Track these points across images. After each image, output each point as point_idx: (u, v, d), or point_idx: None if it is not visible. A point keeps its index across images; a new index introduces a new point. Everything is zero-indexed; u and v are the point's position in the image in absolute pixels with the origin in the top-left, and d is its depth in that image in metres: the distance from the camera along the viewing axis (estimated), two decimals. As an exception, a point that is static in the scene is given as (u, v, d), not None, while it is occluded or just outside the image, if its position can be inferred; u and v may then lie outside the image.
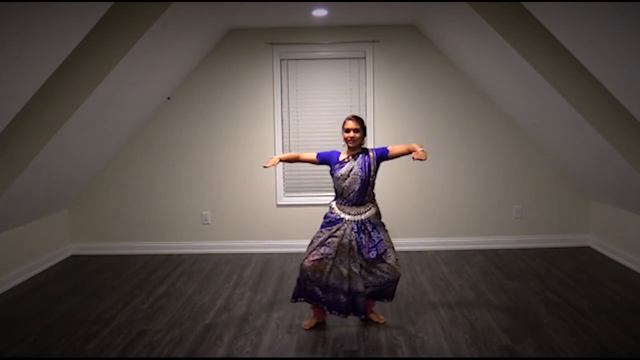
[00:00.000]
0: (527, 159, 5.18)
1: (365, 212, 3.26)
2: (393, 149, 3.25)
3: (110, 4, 3.06)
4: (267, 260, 4.99)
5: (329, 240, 3.22)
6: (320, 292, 3.28)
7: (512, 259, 4.82)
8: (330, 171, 3.31)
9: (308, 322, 3.41)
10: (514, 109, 4.88)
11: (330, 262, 3.22)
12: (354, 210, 3.25)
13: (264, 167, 3.34)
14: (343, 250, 3.22)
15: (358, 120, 3.24)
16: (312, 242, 3.30)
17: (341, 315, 3.29)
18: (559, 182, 5.19)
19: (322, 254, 3.22)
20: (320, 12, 4.49)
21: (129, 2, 3.45)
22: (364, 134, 3.28)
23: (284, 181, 5.26)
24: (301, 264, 3.28)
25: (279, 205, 5.27)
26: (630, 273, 4.34)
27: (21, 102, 3.21)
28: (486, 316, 3.49)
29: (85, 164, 4.73)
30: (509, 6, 3.54)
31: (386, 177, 5.21)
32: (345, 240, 3.21)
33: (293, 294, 3.37)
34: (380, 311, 3.60)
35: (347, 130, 3.22)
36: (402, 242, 5.24)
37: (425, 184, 5.23)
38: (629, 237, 4.52)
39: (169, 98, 5.13)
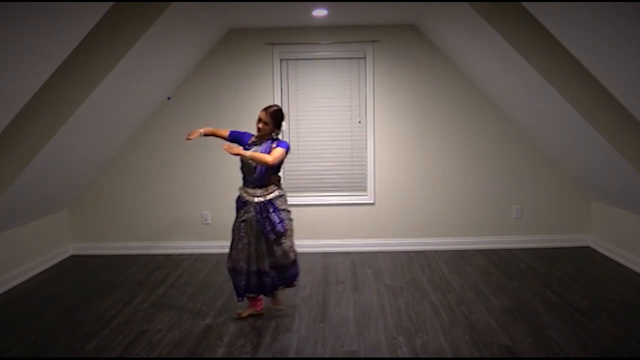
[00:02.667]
0: (527, 159, 5.18)
1: (268, 194, 3.40)
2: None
3: (110, 4, 3.06)
4: (267, 260, 4.98)
5: (240, 226, 3.40)
6: (245, 281, 3.45)
7: (512, 259, 4.82)
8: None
9: (242, 311, 3.56)
10: (514, 108, 4.88)
11: (245, 247, 3.40)
12: (258, 191, 3.40)
13: (186, 139, 3.51)
14: (250, 232, 3.38)
15: (269, 114, 3.38)
16: (232, 237, 3.45)
17: (254, 294, 3.50)
18: (559, 182, 5.19)
19: (239, 248, 3.40)
20: (320, 12, 4.49)
21: (129, 2, 3.45)
22: (276, 126, 3.43)
23: (284, 181, 5.25)
24: (228, 268, 3.47)
25: (279, 205, 5.27)
26: (630, 273, 4.34)
27: (21, 102, 3.20)
28: (486, 316, 3.49)
29: (85, 164, 4.73)
30: (509, 6, 3.54)
31: (386, 177, 5.22)
32: (252, 222, 3.37)
33: (238, 294, 3.48)
34: (380, 311, 3.61)
35: (259, 120, 3.40)
36: (402, 242, 5.24)
37: (425, 184, 5.23)
38: (629, 237, 4.52)
39: (169, 98, 5.13)
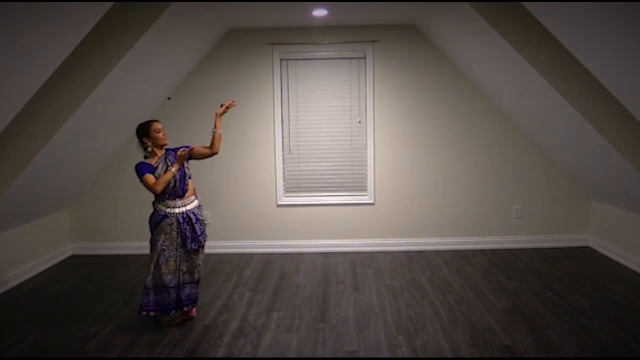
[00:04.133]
0: (527, 159, 5.18)
1: (190, 203, 3.40)
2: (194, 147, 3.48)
3: (110, 4, 3.06)
4: (267, 260, 4.99)
5: (161, 243, 3.32)
6: (155, 297, 3.35)
7: (512, 259, 4.82)
8: (153, 173, 3.30)
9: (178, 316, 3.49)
10: (513, 108, 4.87)
11: (165, 261, 3.33)
12: (179, 202, 3.36)
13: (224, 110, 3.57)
14: (172, 244, 3.33)
15: None
16: (152, 256, 3.35)
17: (171, 313, 3.39)
18: (559, 182, 5.19)
19: (161, 262, 3.33)
20: (320, 12, 4.49)
21: (129, 2, 3.45)
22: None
23: (284, 181, 5.27)
24: (149, 282, 3.34)
25: (279, 205, 5.27)
26: (630, 273, 4.34)
27: (21, 102, 3.20)
28: (486, 316, 3.49)
29: (85, 164, 4.73)
30: (509, 6, 3.54)
31: (386, 177, 5.22)
32: (173, 234, 3.32)
33: (142, 307, 3.34)
34: (380, 311, 3.61)
35: (159, 130, 3.36)
36: (402, 242, 5.24)
37: (425, 184, 5.23)
38: (629, 237, 4.52)
39: (169, 98, 5.13)
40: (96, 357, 3.03)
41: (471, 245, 5.22)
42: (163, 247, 3.32)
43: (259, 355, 3.02)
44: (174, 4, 3.57)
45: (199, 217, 3.43)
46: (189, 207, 3.39)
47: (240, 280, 4.38)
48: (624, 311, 3.52)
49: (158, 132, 3.36)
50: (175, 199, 3.36)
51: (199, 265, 3.45)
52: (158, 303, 3.35)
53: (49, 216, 4.92)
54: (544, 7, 3.01)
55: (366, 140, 5.19)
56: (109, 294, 4.10)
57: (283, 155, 5.23)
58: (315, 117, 5.20)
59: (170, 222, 3.32)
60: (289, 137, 5.21)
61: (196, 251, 3.40)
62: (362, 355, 3.00)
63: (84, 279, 4.51)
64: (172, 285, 3.35)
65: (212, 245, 5.29)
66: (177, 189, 3.35)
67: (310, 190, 5.28)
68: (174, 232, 3.33)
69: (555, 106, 3.92)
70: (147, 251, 5.25)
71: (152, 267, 3.33)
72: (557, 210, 5.22)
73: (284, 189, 5.27)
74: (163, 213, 3.34)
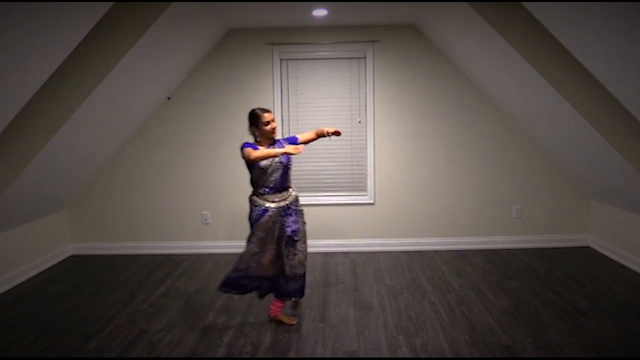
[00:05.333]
0: (527, 159, 5.18)
1: (288, 197, 3.36)
2: (302, 136, 3.49)
3: (110, 4, 3.06)
4: (267, 260, 4.98)
5: (260, 237, 3.30)
6: (247, 282, 3.40)
7: (512, 259, 4.82)
8: (252, 164, 3.28)
9: (288, 319, 3.48)
10: (513, 108, 4.87)
11: (261, 255, 3.32)
12: (278, 196, 3.32)
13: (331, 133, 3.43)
14: (271, 238, 3.31)
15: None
16: (250, 250, 3.33)
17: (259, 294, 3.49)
18: (559, 182, 5.19)
19: (257, 256, 3.33)
20: (320, 12, 4.49)
21: (129, 2, 3.45)
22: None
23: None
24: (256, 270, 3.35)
25: (279, 205, 5.27)
26: (630, 273, 4.34)
27: (21, 102, 3.21)
28: (486, 316, 3.49)
29: (85, 164, 4.73)
30: (509, 6, 3.54)
31: (386, 177, 5.22)
32: (273, 226, 3.30)
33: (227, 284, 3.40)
34: (380, 311, 3.61)
35: (268, 123, 3.29)
36: (402, 242, 5.24)
37: (425, 184, 5.23)
38: (629, 237, 4.52)
39: (169, 98, 5.13)
40: (96, 357, 3.04)
41: (471, 245, 5.22)
42: (262, 241, 3.30)
43: (259, 355, 3.02)
44: (174, 4, 3.57)
45: (297, 209, 3.39)
46: (288, 201, 3.35)
47: (240, 280, 4.38)
48: (624, 311, 3.52)
49: (266, 125, 3.29)
50: (275, 193, 3.32)
51: (299, 258, 3.35)
52: (240, 285, 3.40)
53: (49, 216, 4.92)
54: (544, 7, 3.01)
55: (366, 140, 5.19)
56: (109, 294, 4.10)
57: (283, 155, 5.23)
58: (315, 117, 5.20)
59: (271, 216, 3.29)
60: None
61: (294, 244, 3.33)
62: (362, 355, 3.00)
63: (84, 279, 4.51)
64: (266, 277, 3.38)
65: (212, 245, 5.29)
66: (277, 182, 3.31)
67: (310, 190, 5.28)
68: (275, 226, 3.30)
69: (555, 106, 3.92)
70: (147, 251, 5.30)
71: (247, 257, 3.33)
72: (557, 210, 5.22)
73: (284, 189, 5.27)
74: (263, 208, 3.31)
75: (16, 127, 3.47)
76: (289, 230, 3.31)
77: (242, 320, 3.53)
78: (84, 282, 4.41)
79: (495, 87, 4.77)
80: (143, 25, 3.57)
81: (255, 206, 3.33)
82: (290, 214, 3.35)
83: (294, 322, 3.43)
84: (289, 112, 5.20)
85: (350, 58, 5.15)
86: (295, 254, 3.34)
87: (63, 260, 5.08)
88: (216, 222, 5.30)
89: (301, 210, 3.44)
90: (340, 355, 3.00)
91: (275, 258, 3.36)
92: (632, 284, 4.08)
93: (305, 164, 5.25)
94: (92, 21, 3.06)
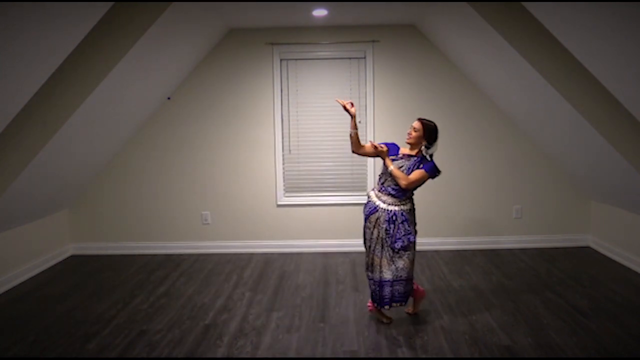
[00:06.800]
0: (527, 159, 5.18)
1: (400, 205, 3.32)
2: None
3: (110, 4, 3.06)
4: (267, 260, 4.99)
5: (370, 232, 3.35)
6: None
7: (512, 259, 4.82)
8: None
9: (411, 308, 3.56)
10: (513, 108, 4.87)
11: (372, 255, 3.35)
12: (390, 199, 3.32)
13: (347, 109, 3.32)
14: (377, 239, 3.32)
15: (422, 123, 3.31)
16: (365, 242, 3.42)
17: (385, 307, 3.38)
18: (559, 182, 5.19)
19: (371, 252, 3.36)
20: (320, 12, 4.49)
21: (129, 2, 3.45)
22: (426, 139, 3.31)
23: (284, 181, 5.27)
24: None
25: (279, 205, 5.27)
26: (630, 273, 4.33)
27: (21, 102, 3.21)
28: (486, 316, 3.49)
29: (85, 164, 4.73)
30: (509, 6, 3.54)
31: (386, 177, 5.22)
32: (379, 228, 3.30)
33: (383, 301, 3.36)
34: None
35: (409, 129, 3.37)
36: (402, 242, 5.24)
37: (425, 184, 5.21)
38: (629, 237, 4.52)
39: (169, 98, 5.13)
40: (96, 357, 3.03)
41: (471, 245, 5.22)
42: (371, 240, 3.33)
43: (259, 355, 3.02)
44: (174, 4, 3.57)
45: (406, 217, 3.30)
46: (397, 208, 3.30)
47: (240, 280, 4.38)
48: (624, 311, 3.52)
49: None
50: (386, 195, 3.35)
51: (405, 266, 3.29)
52: (374, 294, 3.40)
53: (49, 216, 4.92)
54: (544, 7, 3.01)
55: (366, 140, 5.19)
56: (109, 294, 4.10)
57: (283, 155, 5.23)
58: (315, 117, 5.20)
59: (378, 217, 3.30)
60: (289, 137, 5.21)
61: (399, 251, 3.28)
62: (362, 355, 2.99)
63: (84, 279, 4.51)
64: (376, 280, 3.36)
65: (212, 245, 5.29)
66: (380, 184, 3.37)
67: (310, 190, 5.28)
68: (381, 228, 3.29)
69: (555, 106, 3.92)
70: (147, 251, 5.30)
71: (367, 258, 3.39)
72: (557, 210, 5.22)
73: (284, 189, 5.27)
74: (375, 205, 3.34)
75: (16, 127, 3.47)
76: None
77: (242, 320, 3.53)
78: (83, 282, 4.41)
79: (495, 87, 4.77)
80: (143, 26, 3.57)
81: (370, 201, 3.42)
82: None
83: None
84: (289, 112, 5.20)
85: (350, 58, 5.15)
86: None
87: (63, 261, 5.08)
88: (216, 222, 5.30)
89: None
90: (340, 355, 3.00)
91: None
92: (632, 284, 4.08)
93: (305, 164, 5.25)
94: (92, 21, 3.06)
